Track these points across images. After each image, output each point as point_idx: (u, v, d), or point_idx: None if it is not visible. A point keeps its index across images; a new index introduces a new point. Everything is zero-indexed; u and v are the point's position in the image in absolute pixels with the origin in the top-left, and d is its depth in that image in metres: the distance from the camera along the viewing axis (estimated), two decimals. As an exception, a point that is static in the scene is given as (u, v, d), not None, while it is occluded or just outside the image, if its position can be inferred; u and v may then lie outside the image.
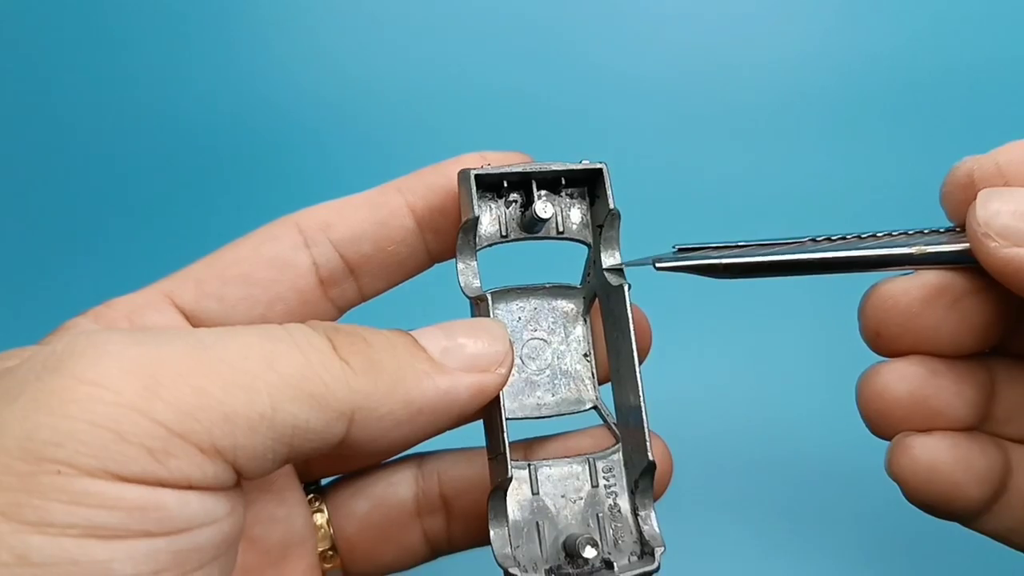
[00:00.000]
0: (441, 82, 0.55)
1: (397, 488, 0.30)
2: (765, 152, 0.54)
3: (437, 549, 0.31)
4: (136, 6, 0.56)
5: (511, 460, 0.26)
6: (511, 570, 0.26)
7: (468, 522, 0.30)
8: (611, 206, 0.28)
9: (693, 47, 0.56)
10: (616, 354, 0.29)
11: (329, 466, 0.31)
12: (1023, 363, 0.29)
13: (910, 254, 0.27)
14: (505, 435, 0.26)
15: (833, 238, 0.28)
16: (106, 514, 0.20)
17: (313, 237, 0.28)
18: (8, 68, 0.55)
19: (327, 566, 0.30)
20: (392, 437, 0.24)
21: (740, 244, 0.28)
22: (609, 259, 0.29)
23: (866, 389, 0.28)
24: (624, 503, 0.29)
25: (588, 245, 0.30)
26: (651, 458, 0.27)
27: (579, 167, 0.29)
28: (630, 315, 0.28)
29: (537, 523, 0.28)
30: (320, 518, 0.30)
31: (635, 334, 0.28)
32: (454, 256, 0.29)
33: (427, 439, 0.25)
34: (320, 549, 0.29)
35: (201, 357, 0.21)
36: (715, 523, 0.46)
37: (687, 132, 0.54)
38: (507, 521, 0.27)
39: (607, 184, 0.29)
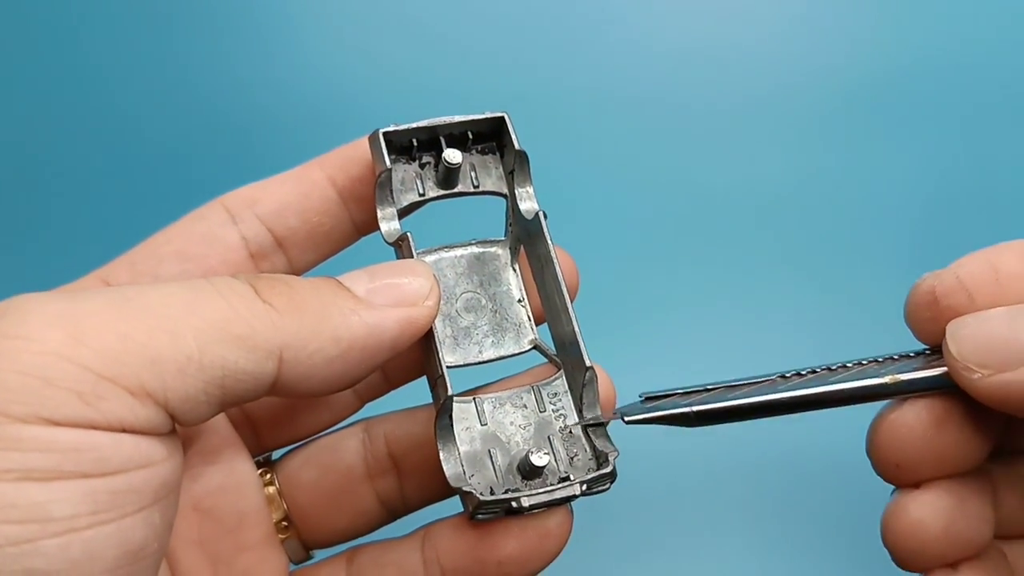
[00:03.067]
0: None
1: (344, 454, 0.30)
2: (742, 154, 0.54)
3: (393, 510, 0.30)
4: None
5: (452, 390, 0.26)
6: (464, 488, 0.25)
7: (421, 479, 0.29)
8: (517, 147, 0.30)
9: (677, 50, 0.56)
10: (545, 288, 0.30)
11: (278, 435, 0.30)
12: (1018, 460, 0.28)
13: (884, 384, 0.25)
14: (440, 356, 0.26)
15: (802, 373, 0.27)
16: (41, 457, 0.20)
17: (239, 214, 0.29)
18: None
19: (283, 536, 0.29)
20: (326, 374, 0.24)
21: (706, 388, 0.27)
22: (526, 200, 0.30)
23: (896, 525, 0.26)
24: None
25: (505, 196, 0.31)
26: (588, 363, 0.27)
27: (482, 117, 0.30)
28: (550, 242, 0.29)
29: (489, 451, 0.28)
30: (271, 490, 0.29)
31: (558, 261, 0.29)
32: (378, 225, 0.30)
33: (366, 375, 0.25)
34: (275, 519, 0.29)
35: (123, 307, 0.22)
36: (715, 525, 0.45)
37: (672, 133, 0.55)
38: (455, 442, 0.27)
39: (511, 130, 0.30)
